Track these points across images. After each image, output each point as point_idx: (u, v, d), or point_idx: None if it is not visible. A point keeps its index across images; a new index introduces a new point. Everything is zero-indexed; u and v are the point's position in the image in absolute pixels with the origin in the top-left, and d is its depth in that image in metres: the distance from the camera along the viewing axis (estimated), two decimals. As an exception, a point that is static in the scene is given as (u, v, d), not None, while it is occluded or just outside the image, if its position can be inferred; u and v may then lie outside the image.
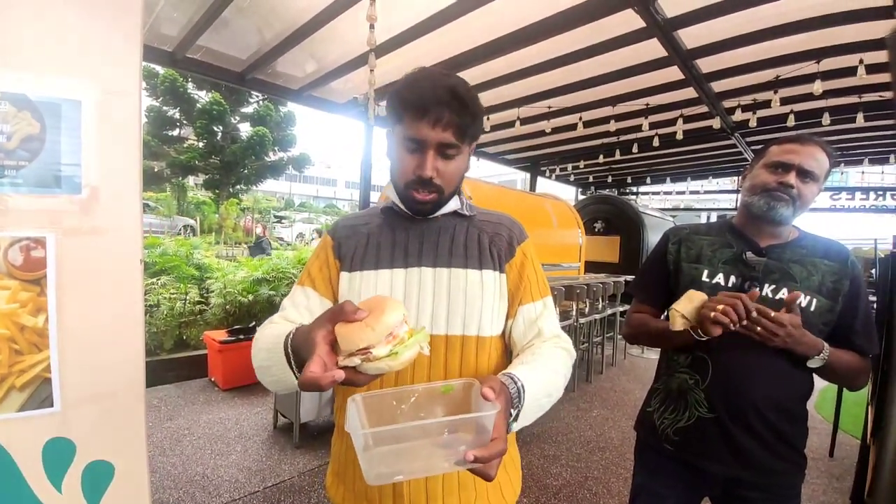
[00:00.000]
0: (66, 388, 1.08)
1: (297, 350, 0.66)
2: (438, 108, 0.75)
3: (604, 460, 3.03)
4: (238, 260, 6.18)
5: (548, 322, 0.90)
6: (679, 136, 4.87)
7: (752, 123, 4.43)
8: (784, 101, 4.05)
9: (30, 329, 1.04)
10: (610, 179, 9.87)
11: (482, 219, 0.93)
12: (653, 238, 7.52)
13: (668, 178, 9.47)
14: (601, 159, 6.89)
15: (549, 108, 4.75)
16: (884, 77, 3.50)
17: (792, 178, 1.10)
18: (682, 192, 10.93)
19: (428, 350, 0.65)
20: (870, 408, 2.22)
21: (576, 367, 2.58)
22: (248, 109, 16.55)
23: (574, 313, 4.33)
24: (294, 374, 0.68)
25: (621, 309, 5.67)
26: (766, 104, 4.11)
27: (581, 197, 10.08)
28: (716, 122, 4.69)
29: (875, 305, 2.10)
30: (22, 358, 1.04)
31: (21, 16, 1.01)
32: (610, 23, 2.94)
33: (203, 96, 15.18)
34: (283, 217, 21.67)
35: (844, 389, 2.96)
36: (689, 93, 4.18)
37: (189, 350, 4.44)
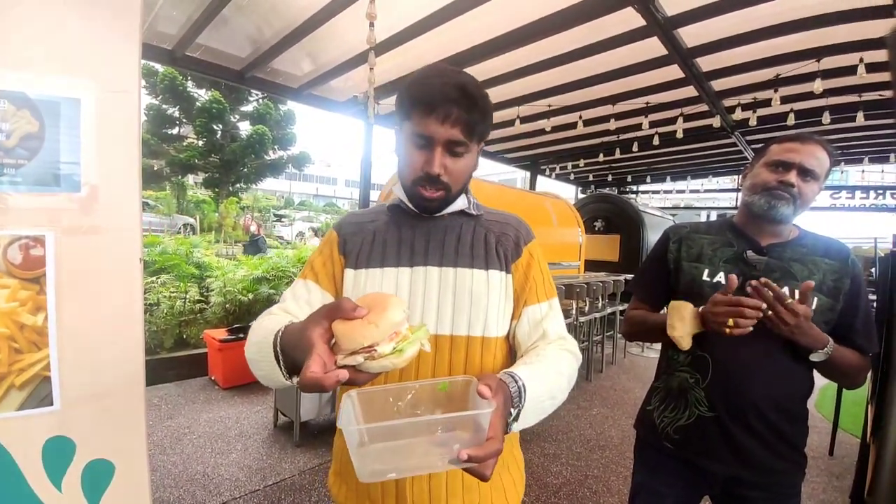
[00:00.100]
0: (65, 387, 1.08)
1: (288, 348, 0.64)
2: (447, 104, 0.75)
3: (604, 459, 3.03)
4: (238, 258, 6.18)
5: (553, 324, 0.88)
6: (679, 135, 4.87)
7: (753, 122, 4.43)
8: (784, 100, 4.05)
9: (29, 328, 1.04)
10: (610, 178, 9.87)
11: (489, 218, 0.92)
12: (653, 237, 7.52)
13: (668, 177, 9.47)
14: (601, 158, 6.89)
15: (549, 106, 4.74)
16: (884, 76, 3.49)
17: (792, 177, 1.10)
18: (683, 191, 10.94)
19: (429, 346, 0.64)
20: (870, 407, 2.22)
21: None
22: (248, 108, 16.51)
23: (574, 312, 4.34)
24: (282, 372, 0.66)
25: (621, 308, 5.67)
26: (767, 103, 4.11)
27: (581, 195, 10.08)
28: (716, 121, 4.69)
29: (875, 304, 2.10)
30: (21, 356, 1.04)
31: (20, 15, 1.01)
32: (610, 21, 2.93)
33: (203, 95, 15.14)
34: (283, 216, 21.67)
35: (844, 388, 2.96)
36: (689, 91, 4.18)
37: (189, 349, 4.44)
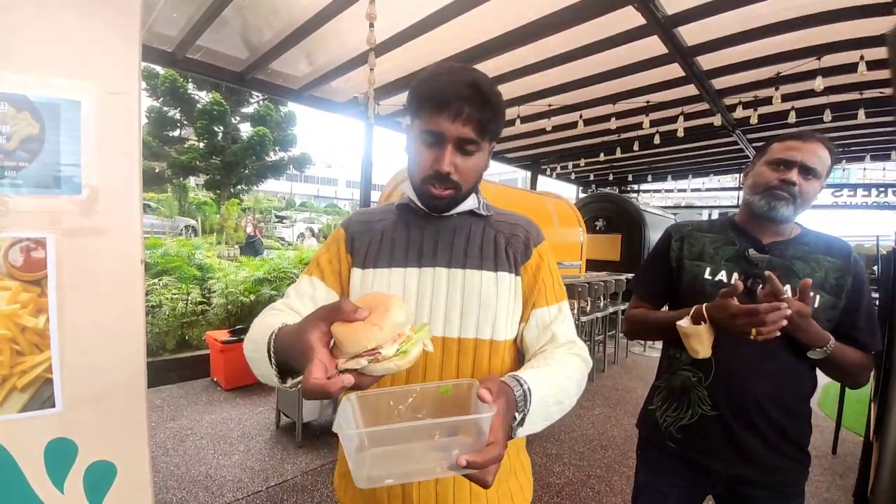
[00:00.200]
0: (67, 389, 1.08)
1: (283, 351, 0.61)
2: (459, 101, 0.73)
3: (606, 458, 3.03)
4: (239, 260, 6.19)
5: (562, 327, 0.86)
6: (680, 134, 4.86)
7: (754, 120, 4.43)
8: (785, 98, 4.04)
9: (31, 330, 1.04)
10: (611, 177, 9.87)
11: (499, 219, 0.91)
12: (654, 236, 7.51)
13: (670, 176, 9.47)
14: (602, 157, 6.89)
15: (550, 106, 4.74)
16: (885, 73, 3.48)
17: (794, 175, 1.09)
18: (684, 190, 10.94)
19: (431, 346, 0.62)
20: (873, 405, 2.21)
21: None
22: (249, 109, 16.54)
23: (576, 312, 4.33)
24: (276, 375, 0.63)
25: (623, 307, 5.66)
26: (768, 101, 4.10)
27: (582, 195, 10.08)
28: (717, 120, 4.68)
29: (877, 302, 2.09)
30: (23, 359, 1.04)
31: (20, 17, 1.01)
32: (610, 20, 2.93)
33: (203, 97, 15.17)
34: (285, 217, 21.68)
35: (848, 387, 2.95)
36: (690, 90, 4.17)
37: (191, 350, 4.45)
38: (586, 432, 3.42)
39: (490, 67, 3.75)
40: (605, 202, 8.42)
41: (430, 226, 0.87)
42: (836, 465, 3.03)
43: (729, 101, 4.46)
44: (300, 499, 2.42)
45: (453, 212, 0.87)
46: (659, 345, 1.36)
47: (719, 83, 4.09)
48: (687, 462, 1.19)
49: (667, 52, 3.35)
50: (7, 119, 1.00)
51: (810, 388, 1.14)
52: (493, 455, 0.54)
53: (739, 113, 4.48)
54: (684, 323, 1.06)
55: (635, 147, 5.94)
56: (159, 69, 12.88)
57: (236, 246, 10.12)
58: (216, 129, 15.34)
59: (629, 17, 2.89)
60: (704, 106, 4.52)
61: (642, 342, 6.14)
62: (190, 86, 14.63)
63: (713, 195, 14.46)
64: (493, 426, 0.56)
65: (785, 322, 0.95)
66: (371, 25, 2.39)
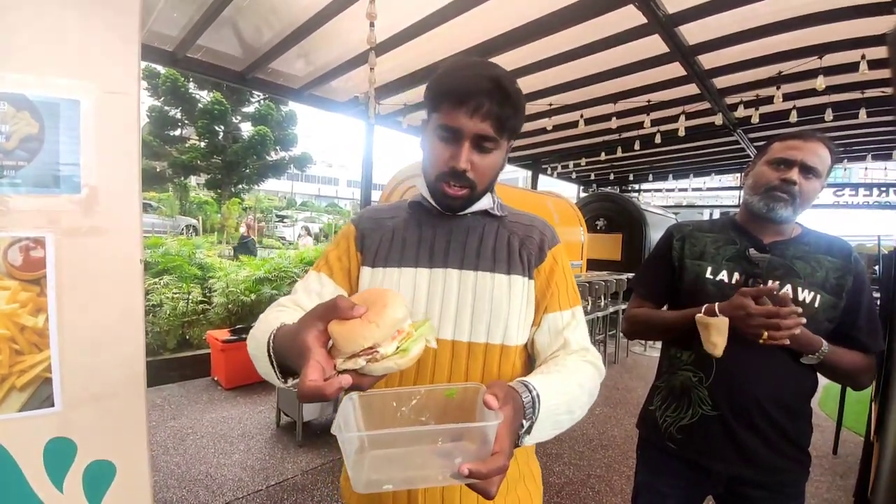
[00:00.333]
0: (66, 388, 1.08)
1: (281, 352, 0.60)
2: (479, 97, 0.71)
3: (606, 458, 3.03)
4: (240, 259, 6.19)
5: (575, 333, 0.83)
6: (681, 133, 4.85)
7: (755, 120, 4.42)
8: (786, 97, 4.03)
9: (30, 329, 1.04)
10: (612, 177, 9.85)
11: (513, 220, 0.88)
12: (655, 236, 7.50)
13: (671, 175, 9.45)
14: (603, 156, 6.88)
15: (550, 105, 4.73)
16: (886, 73, 3.47)
17: (794, 175, 1.09)
18: (685, 190, 10.92)
19: (435, 343, 0.60)
20: (873, 405, 2.20)
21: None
22: (250, 109, 16.56)
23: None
24: (277, 376, 0.62)
25: (623, 307, 5.66)
26: (769, 100, 4.09)
27: (583, 194, 10.06)
28: (718, 119, 4.67)
29: (878, 302, 2.08)
30: (22, 358, 1.04)
31: (20, 16, 1.01)
32: (610, 19, 2.92)
33: (204, 96, 15.19)
34: (285, 216, 21.69)
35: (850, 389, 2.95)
36: (691, 89, 4.16)
37: (192, 349, 4.45)
38: (586, 432, 3.42)
39: (490, 67, 3.74)
40: (606, 202, 8.41)
41: (442, 225, 0.85)
42: (836, 465, 3.03)
43: (730, 100, 4.45)
44: (300, 498, 2.42)
45: (467, 211, 0.84)
46: (659, 344, 1.35)
47: (720, 82, 4.08)
48: (687, 462, 1.19)
49: (668, 51, 3.34)
50: (6, 118, 1.00)
51: (811, 389, 1.14)
52: (497, 465, 0.51)
53: (741, 112, 4.47)
54: (705, 315, 1.06)
55: (636, 146, 5.93)
56: (160, 69, 12.89)
57: (229, 246, 10.02)
58: (217, 128, 15.37)
59: (630, 16, 2.88)
60: (705, 105, 4.51)
61: (643, 342, 6.13)
62: (191, 85, 14.66)
63: (714, 195, 14.43)
64: (499, 434, 0.54)
65: (797, 330, 0.96)
66: (371, 25, 2.38)
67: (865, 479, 2.25)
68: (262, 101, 16.20)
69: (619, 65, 3.76)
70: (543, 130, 5.39)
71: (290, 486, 2.53)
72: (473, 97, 0.71)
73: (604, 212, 8.23)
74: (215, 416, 3.42)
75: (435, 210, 0.85)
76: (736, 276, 1.15)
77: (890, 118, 4.75)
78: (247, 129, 16.27)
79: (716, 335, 1.03)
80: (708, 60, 3.60)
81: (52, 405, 1.07)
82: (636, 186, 11.35)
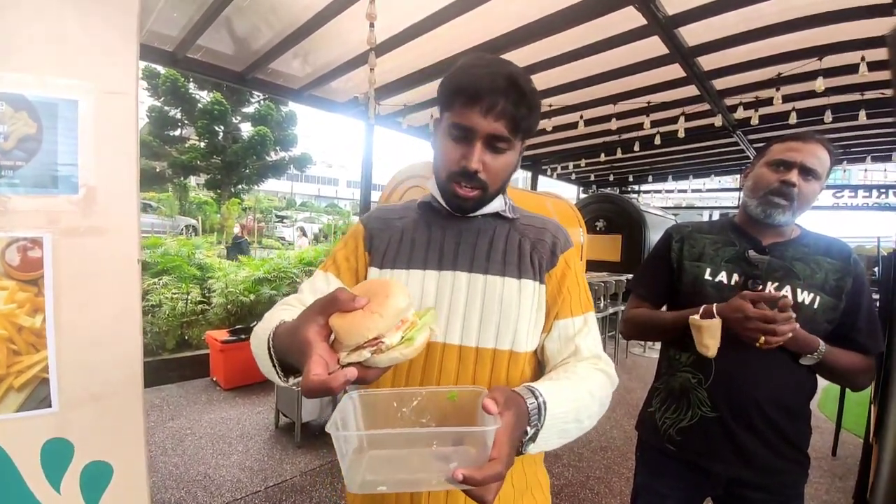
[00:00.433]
0: (64, 389, 1.08)
1: (282, 350, 0.59)
2: (493, 95, 0.69)
3: (605, 460, 3.02)
4: (240, 259, 6.19)
5: (587, 340, 0.79)
6: (681, 134, 4.85)
7: (754, 121, 4.42)
8: (786, 99, 4.03)
9: (27, 329, 1.04)
10: (611, 178, 9.85)
11: (525, 223, 0.85)
12: (654, 237, 7.49)
13: (670, 177, 9.45)
14: (602, 158, 6.88)
15: (550, 106, 4.73)
16: (886, 75, 3.47)
17: (794, 177, 1.09)
18: (684, 191, 10.91)
19: (438, 332, 0.59)
20: (873, 406, 2.20)
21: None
22: (250, 109, 16.57)
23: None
24: (278, 374, 0.61)
25: (622, 308, 5.66)
26: (768, 102, 4.09)
27: (582, 195, 10.07)
28: (717, 120, 4.67)
29: (878, 303, 2.08)
30: (20, 358, 1.04)
31: (18, 16, 1.01)
32: (610, 20, 2.92)
33: (204, 96, 15.20)
34: (285, 217, 21.69)
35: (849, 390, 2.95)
36: (691, 90, 4.16)
37: (191, 350, 4.44)
38: (586, 433, 3.41)
39: (490, 67, 3.74)
40: (605, 203, 8.40)
41: (452, 226, 0.83)
42: (836, 466, 3.03)
43: (730, 101, 4.45)
44: (299, 499, 2.42)
45: (478, 213, 0.82)
46: (658, 346, 1.35)
47: (720, 84, 4.08)
48: (686, 464, 1.19)
49: (668, 52, 3.34)
50: (4, 118, 1.00)
51: (810, 390, 1.14)
52: (493, 472, 0.50)
53: (740, 113, 4.46)
54: (699, 317, 1.06)
55: (636, 147, 5.93)
56: (160, 69, 12.90)
57: (223, 246, 9.90)
58: (217, 128, 15.38)
59: (630, 18, 2.88)
60: (705, 106, 4.51)
61: (642, 343, 6.13)
62: (191, 85, 14.68)
63: (714, 196, 14.47)
64: (498, 440, 0.52)
65: (791, 335, 0.97)
66: (371, 25, 2.38)
67: (865, 481, 2.25)
68: (261, 102, 16.22)
69: (619, 66, 3.76)
70: (543, 131, 5.40)
71: (288, 487, 2.52)
72: (487, 95, 0.69)
73: (603, 213, 8.23)
74: (214, 416, 3.41)
75: (445, 211, 0.83)
76: (735, 277, 1.15)
77: (889, 120, 4.75)
78: (247, 129, 16.28)
79: (708, 337, 1.04)
80: (708, 62, 3.60)
81: (50, 406, 1.07)
82: (636, 187, 11.35)
